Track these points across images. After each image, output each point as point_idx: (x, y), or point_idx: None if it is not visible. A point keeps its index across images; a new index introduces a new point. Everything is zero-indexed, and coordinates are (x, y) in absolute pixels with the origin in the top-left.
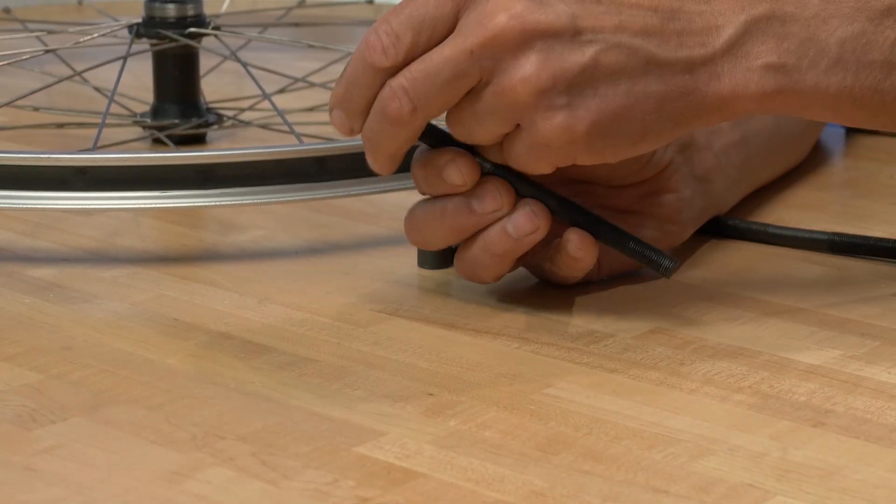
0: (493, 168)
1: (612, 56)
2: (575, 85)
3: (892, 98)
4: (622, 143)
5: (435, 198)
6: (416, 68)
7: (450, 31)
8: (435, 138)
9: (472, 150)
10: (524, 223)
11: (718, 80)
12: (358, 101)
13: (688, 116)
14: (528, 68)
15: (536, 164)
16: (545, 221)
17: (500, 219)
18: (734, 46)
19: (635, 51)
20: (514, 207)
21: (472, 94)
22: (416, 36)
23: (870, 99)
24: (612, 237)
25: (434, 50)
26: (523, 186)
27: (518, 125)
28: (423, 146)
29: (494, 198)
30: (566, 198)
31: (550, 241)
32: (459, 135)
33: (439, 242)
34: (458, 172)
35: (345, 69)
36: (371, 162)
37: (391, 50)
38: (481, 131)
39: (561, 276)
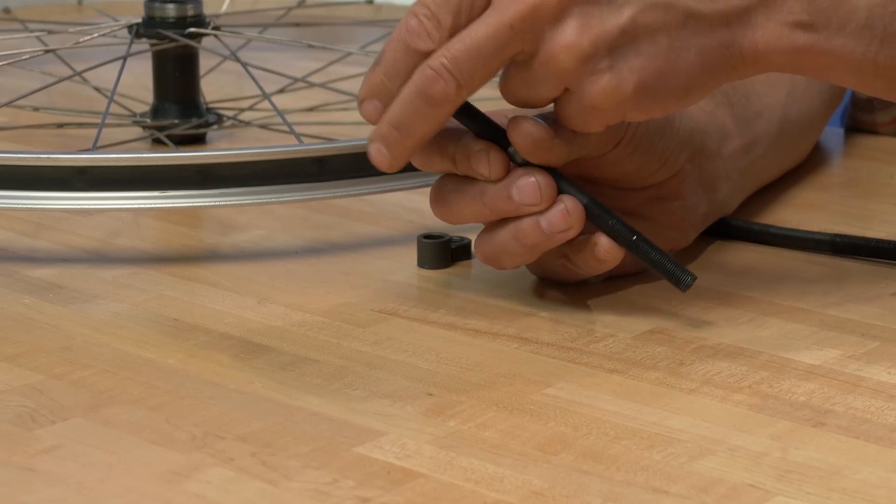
0: (524, 163)
1: (650, 15)
2: (616, 47)
3: None
4: (669, 98)
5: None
6: (456, 47)
7: (485, 6)
8: (472, 119)
9: (504, 144)
10: (558, 221)
11: (753, 33)
12: (398, 88)
13: (726, 68)
14: (568, 35)
15: (588, 125)
16: (578, 222)
17: (536, 212)
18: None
19: (673, 6)
20: (551, 204)
21: (520, 63)
22: (455, 17)
23: (893, 67)
24: (637, 245)
25: (472, 27)
26: (557, 182)
27: (567, 89)
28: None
29: (534, 192)
30: (595, 199)
31: (572, 239)
32: (511, 101)
33: (469, 219)
34: (485, 164)
35: (379, 57)
36: (395, 153)
37: (434, 33)
38: (533, 96)
39: (573, 272)
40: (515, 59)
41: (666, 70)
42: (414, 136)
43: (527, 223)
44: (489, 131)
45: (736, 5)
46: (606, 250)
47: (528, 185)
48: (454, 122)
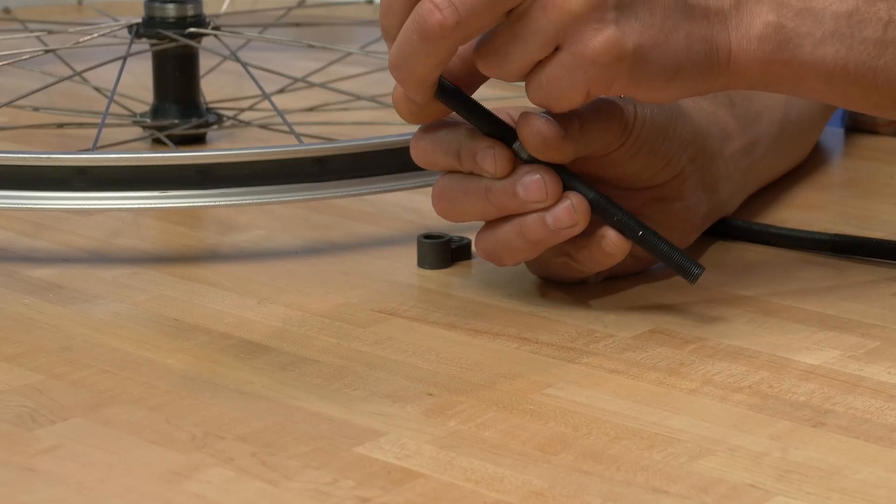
0: (529, 160)
1: None
2: (621, 4)
3: (885, 78)
4: (657, 75)
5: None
6: None
7: None
8: (477, 115)
9: (510, 140)
10: (563, 217)
11: (728, 35)
12: (393, 26)
13: (708, 65)
14: None
15: (572, 89)
16: (584, 218)
17: (541, 209)
18: (740, 3)
19: None
20: (557, 200)
21: (513, 17)
22: None
23: (863, 75)
24: (646, 238)
25: None
26: (562, 177)
27: (557, 48)
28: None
29: (540, 189)
30: (602, 193)
31: (575, 236)
32: (490, 66)
33: (473, 217)
34: (491, 161)
35: None
36: (405, 91)
37: None
38: (518, 55)
39: (574, 270)
40: (508, 14)
41: (660, 43)
42: (412, 75)
43: (532, 219)
44: (494, 128)
45: (715, 4)
46: (614, 243)
47: (534, 182)
48: (458, 118)
